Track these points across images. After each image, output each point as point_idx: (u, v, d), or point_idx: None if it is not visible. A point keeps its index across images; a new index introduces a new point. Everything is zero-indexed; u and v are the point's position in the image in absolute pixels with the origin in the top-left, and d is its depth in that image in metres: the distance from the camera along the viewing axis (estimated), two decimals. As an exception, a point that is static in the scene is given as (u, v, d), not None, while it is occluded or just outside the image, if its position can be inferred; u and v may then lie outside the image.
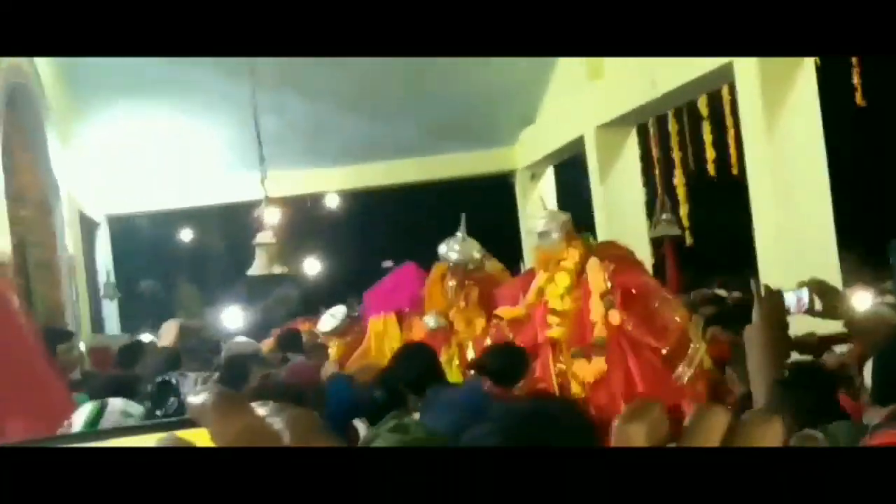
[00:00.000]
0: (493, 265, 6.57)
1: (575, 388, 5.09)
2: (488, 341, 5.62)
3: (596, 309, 5.10)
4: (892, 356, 2.91)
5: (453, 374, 5.50)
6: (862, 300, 5.88)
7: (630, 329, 5.01)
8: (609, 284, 5.11)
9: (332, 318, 7.06)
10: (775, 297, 3.63)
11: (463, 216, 6.32)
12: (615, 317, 5.01)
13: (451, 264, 6.21)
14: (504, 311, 5.54)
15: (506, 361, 4.59)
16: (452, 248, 6.20)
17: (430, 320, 6.14)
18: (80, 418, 3.04)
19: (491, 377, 4.45)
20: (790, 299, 3.73)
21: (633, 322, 5.01)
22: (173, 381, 3.69)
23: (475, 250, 6.24)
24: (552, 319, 5.23)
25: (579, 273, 5.26)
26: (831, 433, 2.92)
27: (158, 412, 3.35)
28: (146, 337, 8.39)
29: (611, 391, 5.01)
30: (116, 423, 3.04)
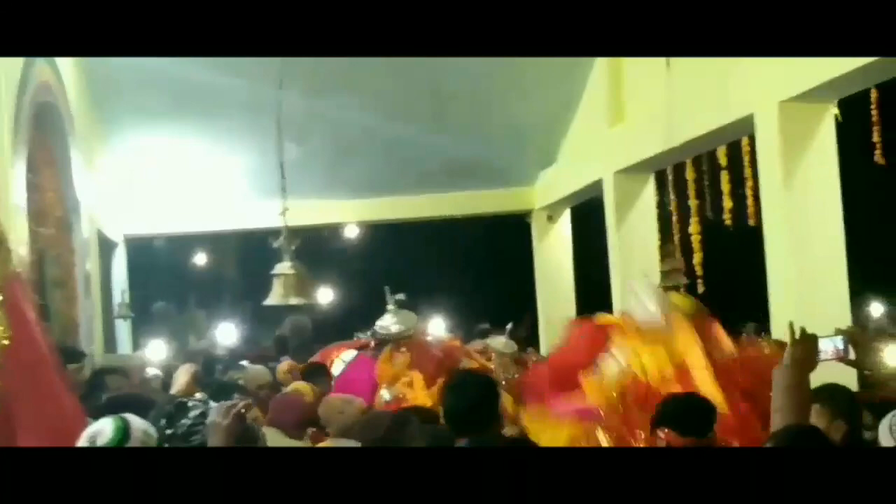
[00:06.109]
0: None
1: None
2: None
3: None
4: None
5: None
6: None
7: None
8: None
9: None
10: (810, 341, 3.63)
11: (387, 289, 6.80)
12: None
13: (389, 337, 6.61)
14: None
15: (691, 411, 4.02)
16: (391, 322, 6.67)
17: (384, 394, 6.26)
18: (104, 436, 3.08)
19: (675, 428, 3.92)
20: (825, 345, 3.71)
21: None
22: (189, 403, 3.79)
23: (412, 320, 6.75)
24: None
25: None
26: None
27: (168, 431, 3.40)
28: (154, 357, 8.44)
29: None
30: (142, 442, 3.10)
